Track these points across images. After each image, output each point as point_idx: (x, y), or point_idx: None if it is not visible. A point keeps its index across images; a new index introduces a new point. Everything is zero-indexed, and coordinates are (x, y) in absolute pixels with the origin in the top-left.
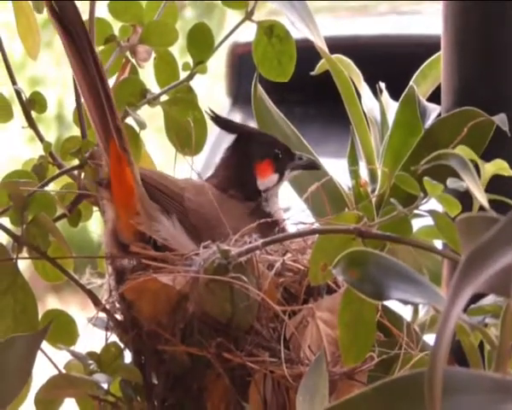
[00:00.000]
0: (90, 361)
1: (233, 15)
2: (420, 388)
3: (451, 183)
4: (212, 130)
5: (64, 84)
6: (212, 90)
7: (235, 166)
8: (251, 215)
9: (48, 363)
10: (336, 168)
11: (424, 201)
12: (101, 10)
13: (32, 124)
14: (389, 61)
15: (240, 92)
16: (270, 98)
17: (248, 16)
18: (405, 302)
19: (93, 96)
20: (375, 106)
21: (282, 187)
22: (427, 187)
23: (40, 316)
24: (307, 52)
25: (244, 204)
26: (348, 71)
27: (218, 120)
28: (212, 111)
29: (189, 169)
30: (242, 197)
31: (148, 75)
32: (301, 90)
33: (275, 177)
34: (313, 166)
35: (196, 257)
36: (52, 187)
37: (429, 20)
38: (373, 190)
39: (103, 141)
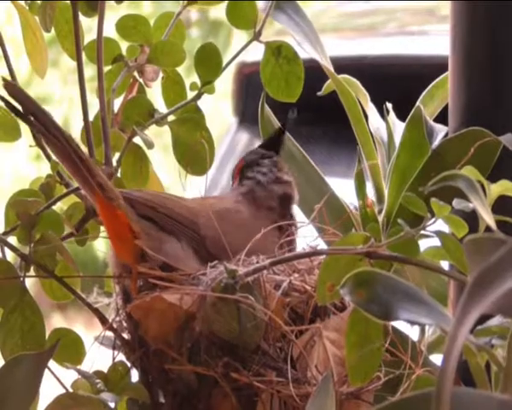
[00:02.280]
0: (97, 380)
1: (239, 34)
2: (427, 408)
3: (457, 204)
4: (218, 150)
5: (70, 102)
6: (218, 108)
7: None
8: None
9: (55, 382)
10: (343, 188)
11: (431, 222)
12: (109, 30)
13: (39, 143)
14: (396, 82)
15: (247, 111)
16: (276, 118)
17: (256, 36)
18: (412, 323)
19: (70, 164)
20: (381, 126)
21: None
22: (435, 208)
23: (46, 335)
24: (313, 72)
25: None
26: (355, 91)
27: None
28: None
29: (196, 189)
30: None
31: (155, 95)
32: (307, 110)
33: None
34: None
35: (203, 277)
36: (59, 206)
37: (437, 41)
38: (380, 211)
39: (90, 194)
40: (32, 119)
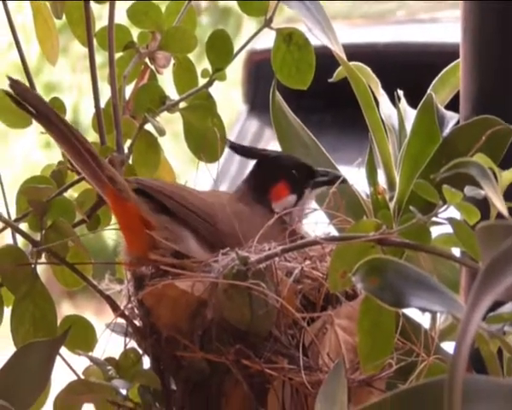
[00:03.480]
0: (109, 367)
1: (249, 22)
2: (439, 395)
3: (469, 191)
4: (228, 137)
5: (79, 89)
6: (228, 96)
7: (253, 190)
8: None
9: (67, 369)
10: (354, 175)
11: (443, 208)
12: (121, 17)
13: None
14: (407, 69)
15: (257, 99)
16: (287, 105)
17: (267, 23)
18: (424, 310)
19: (79, 159)
20: (393, 113)
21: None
22: (447, 195)
23: (58, 322)
24: (324, 59)
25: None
26: (366, 78)
27: (236, 148)
28: (231, 141)
29: (207, 175)
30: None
31: (166, 82)
32: (318, 97)
33: (292, 197)
34: (337, 180)
35: (215, 264)
36: (70, 193)
37: (448, 28)
38: (391, 198)
39: (99, 188)
40: (39, 116)
